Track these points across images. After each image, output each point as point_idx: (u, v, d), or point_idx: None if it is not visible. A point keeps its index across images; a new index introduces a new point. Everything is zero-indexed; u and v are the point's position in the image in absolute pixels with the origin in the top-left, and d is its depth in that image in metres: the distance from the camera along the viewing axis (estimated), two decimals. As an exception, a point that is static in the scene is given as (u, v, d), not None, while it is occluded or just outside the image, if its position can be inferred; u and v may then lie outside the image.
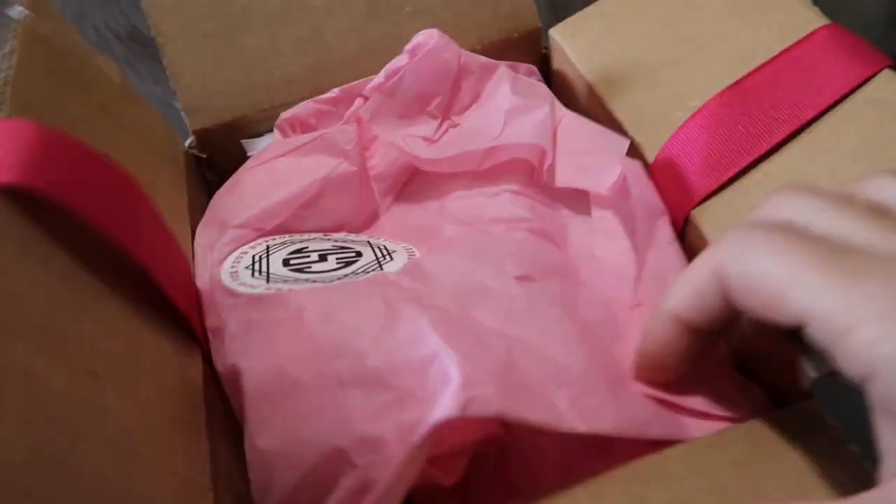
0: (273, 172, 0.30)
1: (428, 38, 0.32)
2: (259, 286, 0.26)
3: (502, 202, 0.31)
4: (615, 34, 0.34)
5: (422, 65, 0.32)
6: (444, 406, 0.18)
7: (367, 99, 0.33)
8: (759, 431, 0.20)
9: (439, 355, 0.20)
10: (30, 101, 0.21)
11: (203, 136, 0.35)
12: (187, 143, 0.35)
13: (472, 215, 0.31)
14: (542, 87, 0.33)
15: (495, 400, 0.18)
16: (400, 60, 0.33)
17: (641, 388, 0.22)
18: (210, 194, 0.32)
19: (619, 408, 0.20)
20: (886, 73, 0.26)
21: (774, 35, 0.29)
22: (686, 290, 0.20)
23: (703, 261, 0.19)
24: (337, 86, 0.34)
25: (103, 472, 0.16)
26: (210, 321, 0.26)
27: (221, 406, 0.25)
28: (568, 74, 0.36)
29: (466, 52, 0.33)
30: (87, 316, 0.19)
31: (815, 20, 0.28)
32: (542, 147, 0.30)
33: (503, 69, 0.33)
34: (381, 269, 0.27)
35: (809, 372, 0.19)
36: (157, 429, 0.20)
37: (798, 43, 0.27)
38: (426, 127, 0.33)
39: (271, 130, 0.34)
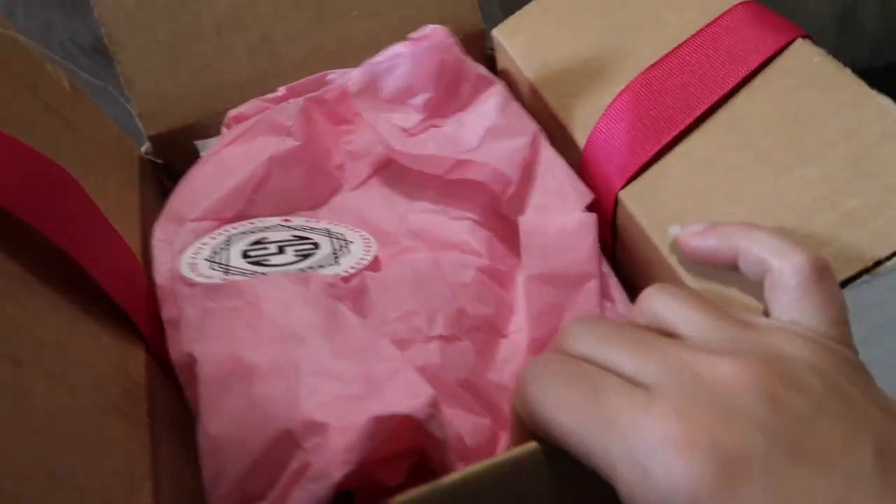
0: (221, 162, 0.31)
1: (434, 32, 0.33)
2: (216, 277, 0.27)
3: (462, 228, 0.31)
4: (554, 29, 0.35)
5: (421, 56, 0.33)
6: (405, 405, 0.20)
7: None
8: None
9: (406, 370, 0.22)
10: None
11: (159, 142, 0.36)
12: (143, 148, 0.36)
13: (431, 235, 0.31)
14: (529, 119, 0.33)
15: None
16: (399, 47, 0.34)
17: None
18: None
19: None
20: (799, 43, 0.27)
21: (697, 15, 0.30)
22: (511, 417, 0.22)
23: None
24: (288, 89, 0.35)
25: (25, 456, 0.17)
26: (167, 312, 0.27)
27: (169, 400, 0.26)
28: (511, 73, 0.38)
29: (469, 60, 0.34)
30: (9, 303, 0.19)
31: (736, -1, 0.29)
32: (508, 177, 0.31)
33: (499, 86, 0.34)
34: (338, 262, 0.28)
35: None
36: (89, 416, 0.20)
37: (715, 20, 0.29)
38: (407, 118, 0.33)
39: (223, 132, 0.35)
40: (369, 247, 0.30)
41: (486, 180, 0.31)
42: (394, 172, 0.34)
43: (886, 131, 0.23)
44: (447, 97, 0.34)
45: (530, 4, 0.38)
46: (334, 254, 0.29)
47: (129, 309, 0.25)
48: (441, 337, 0.26)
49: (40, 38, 0.53)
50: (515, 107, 0.34)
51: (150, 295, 0.28)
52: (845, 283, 0.21)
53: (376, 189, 0.33)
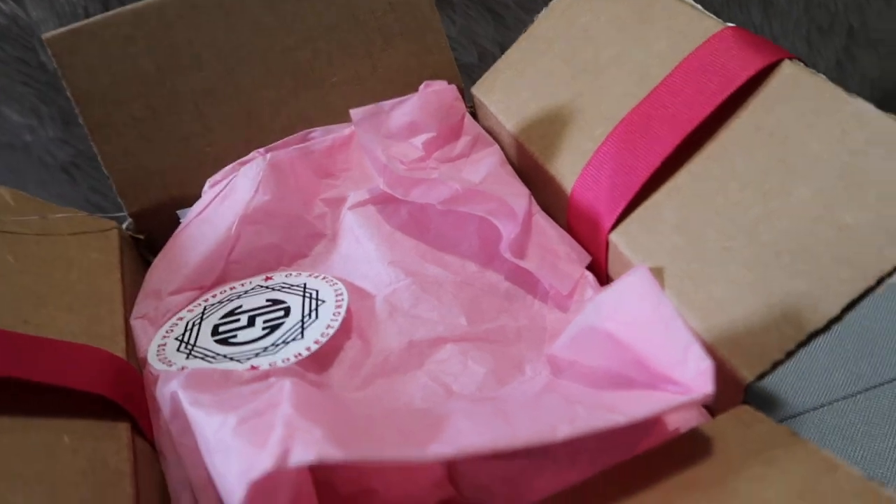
0: (194, 231, 0.31)
1: (442, 85, 0.34)
2: (179, 362, 0.26)
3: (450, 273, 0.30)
4: (525, 80, 0.35)
5: (429, 97, 0.33)
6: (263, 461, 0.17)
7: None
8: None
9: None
10: None
11: (140, 218, 0.36)
12: (125, 225, 0.35)
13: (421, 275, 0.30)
14: (522, 184, 0.33)
15: (324, 445, 0.17)
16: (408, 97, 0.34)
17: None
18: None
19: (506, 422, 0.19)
20: (785, 64, 0.26)
21: (668, 46, 0.30)
22: None
23: None
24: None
25: None
26: (148, 393, 0.26)
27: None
28: (493, 128, 0.38)
29: (472, 119, 0.35)
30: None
31: (710, 26, 0.29)
32: (517, 214, 0.30)
33: (497, 148, 0.34)
34: (303, 335, 0.27)
35: None
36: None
37: (696, 50, 0.28)
38: (406, 154, 0.32)
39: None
40: (340, 305, 0.28)
41: (491, 215, 0.29)
42: (380, 213, 0.33)
43: (869, 137, 0.22)
44: (448, 142, 0.34)
45: (500, 60, 0.38)
46: (302, 322, 0.27)
47: (107, 393, 0.24)
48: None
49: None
50: (511, 169, 0.34)
51: (130, 377, 0.27)
52: (852, 306, 0.20)
53: (362, 232, 0.32)
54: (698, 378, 0.19)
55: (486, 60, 0.41)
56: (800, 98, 0.25)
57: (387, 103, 0.32)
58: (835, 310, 0.21)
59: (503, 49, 0.39)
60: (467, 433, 0.18)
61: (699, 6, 0.30)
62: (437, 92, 0.33)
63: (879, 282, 0.20)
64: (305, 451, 0.17)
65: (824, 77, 0.25)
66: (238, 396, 0.21)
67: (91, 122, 0.34)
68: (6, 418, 0.23)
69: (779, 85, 0.26)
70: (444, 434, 0.18)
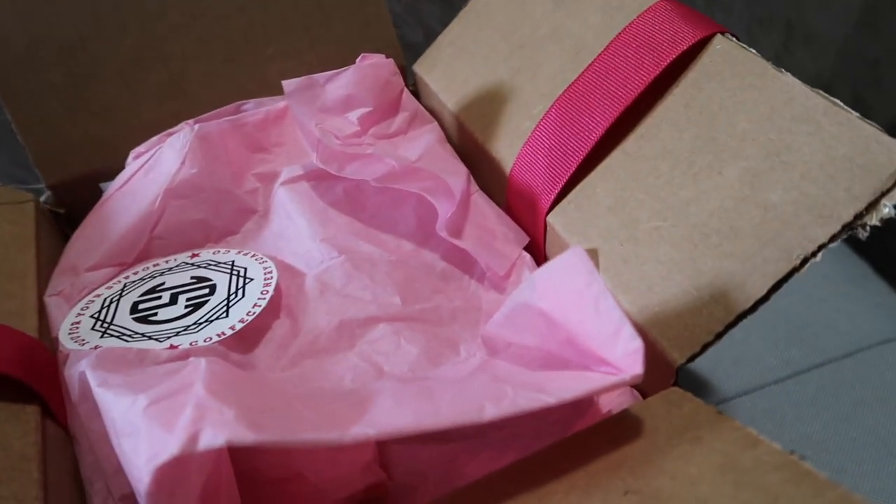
0: (115, 204, 0.29)
1: (381, 59, 0.32)
2: (93, 340, 0.25)
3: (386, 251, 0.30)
4: (466, 57, 0.35)
5: (366, 70, 0.31)
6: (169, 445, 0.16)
7: None
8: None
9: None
10: None
11: (60, 191, 0.34)
12: (43, 198, 0.33)
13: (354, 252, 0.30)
14: (461, 163, 0.32)
15: (235, 426, 0.16)
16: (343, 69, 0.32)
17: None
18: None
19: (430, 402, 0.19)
20: (717, 38, 0.26)
21: (601, 19, 0.29)
22: None
23: None
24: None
25: None
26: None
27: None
28: (435, 107, 0.37)
29: (410, 94, 0.33)
30: None
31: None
32: (454, 192, 0.29)
33: (436, 125, 0.33)
34: (228, 313, 0.26)
35: None
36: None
37: (630, 24, 0.28)
38: (341, 129, 0.31)
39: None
40: (269, 283, 0.27)
41: (428, 192, 0.29)
42: (314, 189, 0.32)
43: (796, 114, 0.22)
44: (385, 118, 0.32)
45: (441, 36, 0.37)
46: (227, 300, 0.26)
47: (19, 376, 0.23)
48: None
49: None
50: (450, 148, 0.33)
51: (41, 357, 0.25)
52: (777, 287, 0.21)
53: (294, 208, 0.31)
54: (628, 358, 0.18)
55: (431, 39, 0.40)
56: (730, 74, 0.25)
57: (321, 76, 0.31)
58: (761, 291, 0.21)
59: (448, 28, 0.38)
60: (390, 413, 0.17)
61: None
62: (374, 65, 0.32)
63: (804, 262, 0.20)
64: (215, 434, 0.16)
65: (755, 52, 0.25)
66: (151, 376, 0.20)
67: (6, 89, 0.32)
68: None
69: (710, 60, 0.26)
70: (367, 415, 0.17)
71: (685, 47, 0.26)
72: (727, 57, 0.25)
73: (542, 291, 0.21)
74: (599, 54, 0.28)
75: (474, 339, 0.26)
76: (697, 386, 0.38)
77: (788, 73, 0.23)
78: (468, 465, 0.23)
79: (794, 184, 0.22)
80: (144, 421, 0.17)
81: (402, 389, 0.19)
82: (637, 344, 0.19)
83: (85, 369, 0.21)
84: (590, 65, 0.28)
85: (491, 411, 0.17)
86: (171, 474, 0.16)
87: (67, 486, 0.23)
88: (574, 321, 0.20)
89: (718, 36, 0.26)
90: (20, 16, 0.32)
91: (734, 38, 0.26)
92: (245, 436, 0.16)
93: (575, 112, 0.28)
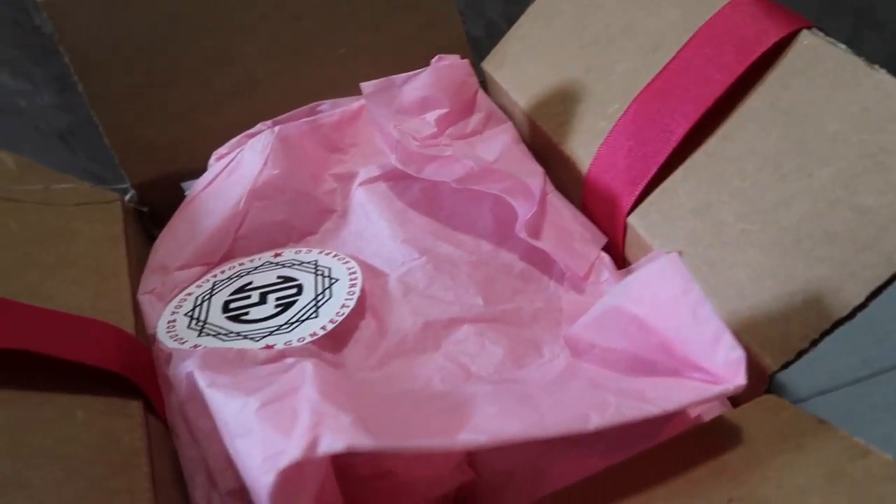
0: (202, 204, 0.30)
1: (456, 59, 0.32)
2: (191, 339, 0.26)
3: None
4: (535, 54, 0.35)
5: (442, 71, 0.32)
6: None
7: None
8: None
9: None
10: None
11: (144, 190, 0.35)
12: (128, 197, 0.35)
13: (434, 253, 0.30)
14: (536, 163, 0.32)
15: (354, 432, 0.17)
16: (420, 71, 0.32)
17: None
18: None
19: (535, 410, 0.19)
20: (804, 34, 0.25)
21: (677, 15, 0.29)
22: None
23: None
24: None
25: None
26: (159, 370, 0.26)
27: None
28: (505, 105, 0.37)
29: (485, 95, 0.34)
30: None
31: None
32: (533, 192, 0.29)
33: (511, 125, 0.34)
34: (317, 314, 0.26)
35: None
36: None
37: (710, 19, 0.27)
38: (419, 130, 0.31)
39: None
40: (355, 284, 0.28)
41: (507, 193, 0.29)
42: (391, 190, 0.32)
43: (891, 113, 0.22)
44: (460, 118, 0.33)
45: (509, 33, 0.37)
46: (316, 300, 0.27)
47: (116, 369, 0.24)
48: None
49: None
50: (525, 148, 0.33)
51: (141, 354, 0.26)
52: (876, 293, 0.20)
53: (373, 209, 0.31)
54: (729, 368, 0.19)
55: (493, 34, 0.40)
56: (818, 72, 0.24)
57: (398, 77, 0.31)
58: (859, 297, 0.21)
59: (511, 23, 0.38)
60: (496, 421, 0.18)
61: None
62: (450, 66, 0.32)
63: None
64: (335, 440, 0.16)
65: (845, 48, 0.24)
66: (256, 378, 0.21)
67: (91, 91, 0.33)
68: (18, 391, 0.22)
69: (796, 57, 0.25)
70: (471, 421, 0.18)
71: (770, 44, 0.25)
72: (815, 53, 0.25)
73: (636, 296, 0.21)
74: (679, 51, 0.28)
75: (556, 341, 0.27)
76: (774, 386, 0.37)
77: (883, 70, 0.23)
78: (554, 465, 0.23)
79: (890, 186, 0.21)
80: (258, 423, 0.18)
81: (500, 394, 0.20)
82: (738, 353, 0.19)
83: (193, 370, 0.22)
84: (669, 62, 0.28)
85: (596, 420, 0.18)
86: (292, 478, 0.17)
87: (170, 478, 0.24)
88: (670, 328, 0.20)
89: (805, 31, 0.25)
90: (103, 19, 0.33)
91: (821, 33, 0.25)
92: (364, 441, 0.16)
93: (655, 112, 0.28)
